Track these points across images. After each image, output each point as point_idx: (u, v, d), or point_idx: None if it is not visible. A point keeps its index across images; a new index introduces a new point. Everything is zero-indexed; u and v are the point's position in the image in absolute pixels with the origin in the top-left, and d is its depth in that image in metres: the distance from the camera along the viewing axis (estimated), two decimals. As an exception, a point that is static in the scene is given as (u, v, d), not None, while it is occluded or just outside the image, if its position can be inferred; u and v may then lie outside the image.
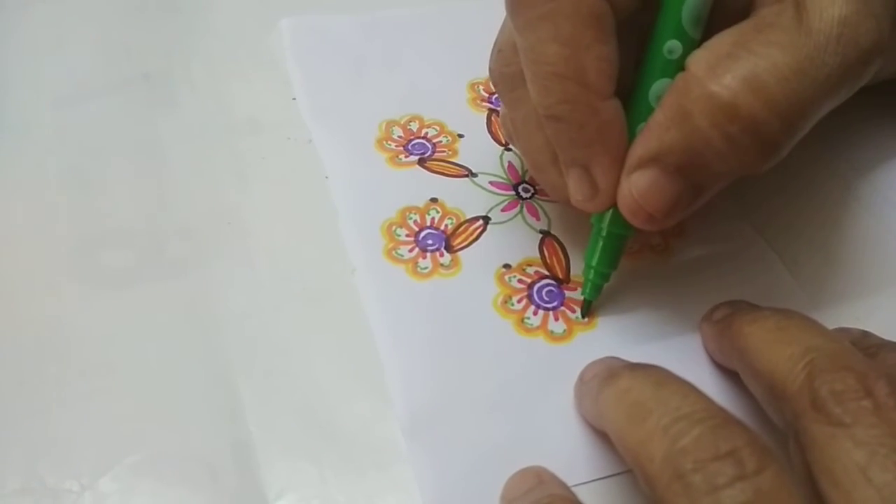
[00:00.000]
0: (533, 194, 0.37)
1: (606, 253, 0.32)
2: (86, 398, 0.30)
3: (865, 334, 0.29)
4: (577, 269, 0.34)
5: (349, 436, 0.29)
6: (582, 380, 0.30)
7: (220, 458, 0.28)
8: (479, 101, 0.42)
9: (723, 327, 0.30)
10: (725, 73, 0.26)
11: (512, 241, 0.35)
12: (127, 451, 0.28)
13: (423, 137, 0.39)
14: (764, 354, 0.27)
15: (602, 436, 0.29)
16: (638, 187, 0.28)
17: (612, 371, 0.27)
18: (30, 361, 0.30)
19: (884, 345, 0.28)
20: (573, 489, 0.26)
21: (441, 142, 0.39)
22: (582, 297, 0.33)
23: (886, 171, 0.40)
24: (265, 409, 0.30)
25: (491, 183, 0.38)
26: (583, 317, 0.33)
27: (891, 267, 0.36)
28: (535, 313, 0.33)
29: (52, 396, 0.29)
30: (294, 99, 0.41)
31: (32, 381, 0.30)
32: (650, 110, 0.29)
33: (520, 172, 0.38)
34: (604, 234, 0.31)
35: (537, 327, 0.33)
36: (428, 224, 0.36)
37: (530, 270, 0.34)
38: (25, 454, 0.28)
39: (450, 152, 0.39)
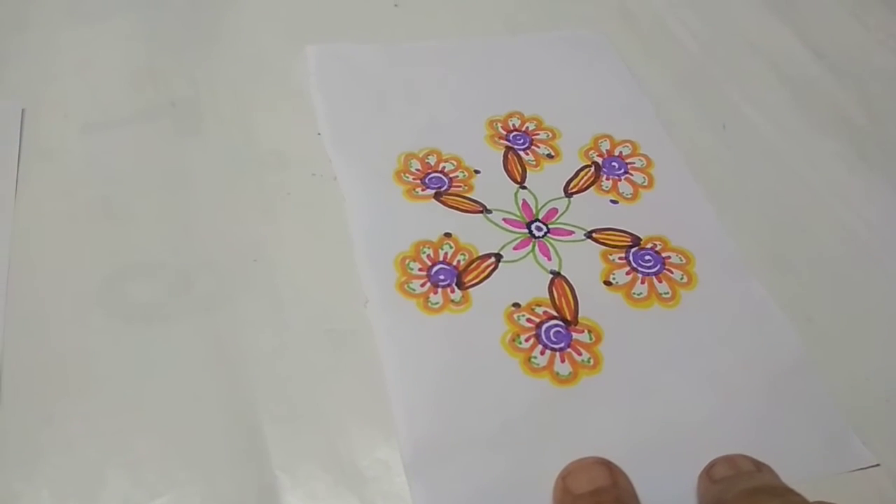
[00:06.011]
0: (545, 233, 0.36)
1: None
2: (112, 437, 0.29)
3: None
4: (584, 311, 0.34)
5: (371, 481, 0.29)
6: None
7: (246, 501, 0.28)
8: (496, 139, 0.40)
9: (720, 491, 0.28)
10: None
11: (522, 280, 0.35)
12: (154, 494, 0.28)
13: (441, 171, 0.38)
14: None
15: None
16: None
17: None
18: (57, 398, 0.30)
19: None
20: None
21: (458, 177, 0.38)
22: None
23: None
24: (289, 453, 0.29)
25: (504, 220, 0.37)
26: None
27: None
28: (542, 353, 0.32)
29: (79, 434, 0.29)
30: (319, 134, 0.39)
31: (60, 418, 0.29)
32: None
33: (533, 210, 0.37)
34: None
35: (543, 367, 0.32)
36: (441, 259, 0.35)
37: (539, 310, 0.34)
38: (53, 493, 0.28)
39: (466, 187, 0.38)
